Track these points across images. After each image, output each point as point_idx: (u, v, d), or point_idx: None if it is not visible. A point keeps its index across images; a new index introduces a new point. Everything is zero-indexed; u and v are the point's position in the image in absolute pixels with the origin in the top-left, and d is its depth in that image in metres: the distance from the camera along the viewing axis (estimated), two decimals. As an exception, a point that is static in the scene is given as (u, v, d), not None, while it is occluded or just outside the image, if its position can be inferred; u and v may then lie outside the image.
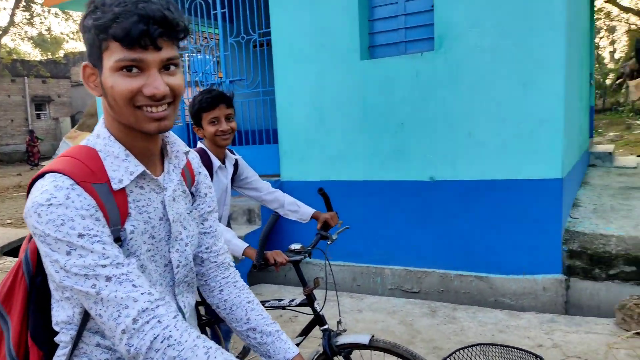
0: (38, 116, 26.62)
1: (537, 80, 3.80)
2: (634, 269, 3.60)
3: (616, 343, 2.95)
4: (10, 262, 5.89)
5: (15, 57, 25.44)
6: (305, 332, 2.23)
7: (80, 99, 27.46)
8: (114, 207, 0.99)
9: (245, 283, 1.32)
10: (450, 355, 1.30)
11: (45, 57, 29.01)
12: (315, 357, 2.14)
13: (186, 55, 6.13)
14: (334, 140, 4.65)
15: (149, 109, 0.97)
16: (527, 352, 1.24)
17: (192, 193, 1.22)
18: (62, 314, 1.07)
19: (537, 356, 1.21)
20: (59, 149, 21.28)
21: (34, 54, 31.79)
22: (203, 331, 2.41)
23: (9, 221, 8.27)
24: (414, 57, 4.26)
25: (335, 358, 2.07)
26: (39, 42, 26.62)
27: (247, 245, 2.13)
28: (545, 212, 3.86)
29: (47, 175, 0.96)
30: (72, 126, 24.78)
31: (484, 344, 1.28)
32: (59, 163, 0.99)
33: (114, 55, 0.94)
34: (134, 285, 0.94)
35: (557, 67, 3.76)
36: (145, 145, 1.06)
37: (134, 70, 0.95)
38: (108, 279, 0.93)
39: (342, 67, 4.55)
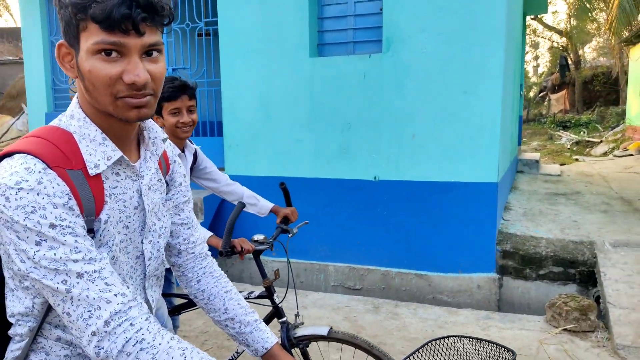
0: (-50, 95, 24.41)
1: (477, 87, 3.98)
2: (561, 269, 3.87)
3: (546, 339, 3.15)
4: None
5: None
6: (265, 323, 2.22)
7: (0, 79, 25.49)
8: (89, 195, 0.92)
9: (222, 272, 1.30)
10: (423, 346, 1.33)
11: (-40, 31, 26.65)
12: None
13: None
14: (280, 135, 4.62)
15: (129, 97, 0.91)
16: (498, 345, 1.30)
17: (167, 182, 1.16)
18: (18, 305, 0.99)
19: (508, 350, 1.27)
20: (-26, 132, 19.67)
21: (-53, 27, 29.09)
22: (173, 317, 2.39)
23: None
24: (362, 58, 4.32)
25: (292, 350, 2.07)
26: (-47, 14, 24.39)
27: (212, 234, 2.10)
28: (481, 214, 4.06)
29: (15, 156, 0.88)
30: (-10, 107, 22.96)
31: (455, 336, 1.33)
32: (29, 143, 0.90)
33: (92, 37, 0.87)
34: (106, 284, 0.89)
35: (496, 76, 3.96)
36: (124, 129, 0.99)
37: (114, 54, 0.88)
38: (80, 275, 0.87)
39: (291, 63, 4.53)
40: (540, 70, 30.57)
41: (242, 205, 2.06)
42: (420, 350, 1.33)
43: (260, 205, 2.47)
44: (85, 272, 0.87)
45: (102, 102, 0.92)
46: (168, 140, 1.18)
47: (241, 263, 4.86)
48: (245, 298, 2.23)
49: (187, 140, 2.35)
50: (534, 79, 29.75)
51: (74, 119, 0.96)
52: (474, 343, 1.31)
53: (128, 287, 0.95)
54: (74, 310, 0.87)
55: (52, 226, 0.86)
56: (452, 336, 1.33)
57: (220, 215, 4.82)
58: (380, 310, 3.82)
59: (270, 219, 2.48)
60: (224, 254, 2.01)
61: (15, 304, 0.99)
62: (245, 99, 4.72)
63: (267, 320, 2.22)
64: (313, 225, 4.54)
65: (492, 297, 4.03)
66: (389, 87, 4.22)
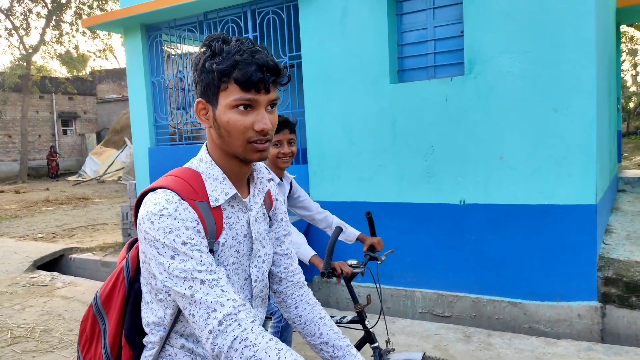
0: (65, 132, 27.26)
1: (568, 105, 3.81)
2: (673, 298, 3.53)
3: (659, 374, 2.89)
4: (43, 275, 6.01)
5: (43, 74, 26.17)
6: (356, 349, 2.26)
7: (105, 115, 28.10)
8: (211, 221, 1.13)
9: (317, 300, 1.42)
10: None
11: (72, 75, 29.80)
12: None
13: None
14: (363, 161, 4.69)
15: (257, 142, 1.13)
16: None
17: (269, 217, 1.35)
18: (152, 316, 1.19)
19: None
20: (85, 165, 21.74)
21: (62, 72, 32.70)
22: None
23: (40, 235, 8.45)
24: (443, 82, 4.30)
25: None
26: (67, 59, 27.34)
27: (315, 253, 2.23)
28: (579, 238, 3.83)
29: (158, 190, 1.12)
30: (98, 142, 25.32)
31: None
32: (168, 181, 1.15)
33: (232, 95, 1.10)
34: (222, 290, 1.07)
35: (588, 92, 3.77)
36: (240, 170, 1.21)
37: (247, 108, 1.11)
38: (202, 282, 1.06)
39: (372, 91, 4.62)
40: (639, 79, 28.28)
41: (340, 229, 2.17)
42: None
43: (348, 232, 2.55)
44: (207, 279, 1.07)
45: (234, 145, 1.14)
46: (272, 182, 1.35)
47: (327, 288, 4.93)
48: (338, 322, 2.31)
49: (284, 171, 2.52)
50: (633, 89, 27.54)
51: (202, 162, 1.20)
52: None
53: (239, 295, 1.14)
54: (197, 312, 1.05)
55: (184, 243, 1.07)
56: None
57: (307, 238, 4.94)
58: (472, 340, 3.70)
59: (354, 248, 2.54)
60: (325, 274, 2.12)
61: (149, 315, 1.20)
62: (329, 127, 4.86)
63: (359, 345, 2.26)
64: (398, 250, 4.54)
65: (594, 327, 3.76)
66: (473, 109, 4.16)
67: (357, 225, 2.63)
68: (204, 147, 1.22)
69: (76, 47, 24.43)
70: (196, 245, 1.08)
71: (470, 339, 3.70)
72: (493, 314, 4.12)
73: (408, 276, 4.55)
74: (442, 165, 4.33)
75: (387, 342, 2.18)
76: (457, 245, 4.30)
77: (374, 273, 2.30)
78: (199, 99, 1.16)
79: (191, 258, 1.06)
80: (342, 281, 2.26)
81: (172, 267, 1.06)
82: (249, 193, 1.26)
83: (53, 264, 6.74)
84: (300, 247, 2.26)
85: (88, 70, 31.83)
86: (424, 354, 2.06)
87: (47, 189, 17.15)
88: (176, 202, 1.09)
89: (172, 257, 1.06)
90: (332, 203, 4.80)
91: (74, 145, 27.42)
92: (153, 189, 1.14)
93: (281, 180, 2.52)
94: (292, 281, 1.39)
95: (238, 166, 1.20)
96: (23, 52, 21.40)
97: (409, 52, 4.64)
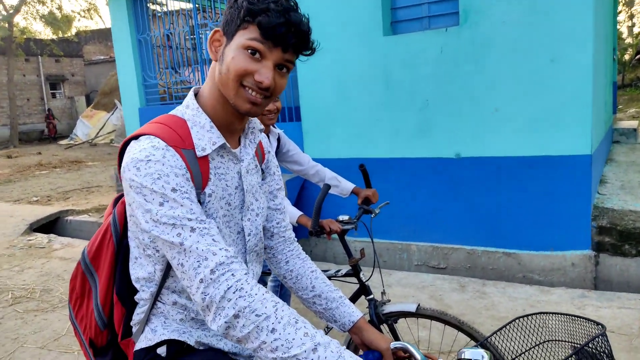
0: (53, 95, 26.80)
1: (565, 54, 3.74)
2: (665, 244, 3.59)
3: (649, 318, 2.97)
4: (40, 238, 6.03)
5: (27, 36, 25.44)
6: (352, 301, 2.30)
7: (93, 77, 27.55)
8: (197, 171, 1.08)
9: (307, 255, 1.40)
10: (509, 323, 1.33)
11: (57, 36, 29.02)
12: None
13: (202, 32, 6.10)
14: (357, 117, 4.64)
15: (251, 91, 1.06)
16: (587, 319, 1.27)
17: (262, 170, 1.30)
18: (141, 271, 1.16)
19: (597, 323, 1.23)
20: (76, 128, 21.48)
21: (46, 33, 31.79)
22: None
23: (34, 198, 8.42)
24: (438, 33, 4.20)
25: (381, 327, 2.12)
26: (50, 20, 26.54)
27: (302, 213, 2.21)
28: (575, 189, 3.84)
29: (142, 137, 1.06)
30: (87, 105, 24.93)
31: (542, 313, 1.31)
32: (152, 128, 1.08)
33: (249, 34, 1.04)
34: (213, 240, 1.01)
35: (585, 41, 3.70)
36: (232, 121, 1.15)
37: (257, 55, 1.04)
38: (192, 229, 1.00)
39: (365, 44, 4.51)
40: (636, 30, 27.87)
41: (328, 187, 2.13)
42: (508, 327, 1.33)
43: (342, 186, 2.53)
44: (197, 227, 1.01)
45: (228, 85, 1.07)
46: (264, 133, 1.30)
47: (324, 243, 4.98)
48: (332, 276, 2.33)
49: (270, 126, 2.46)
50: (629, 40, 27.17)
51: (188, 109, 1.13)
52: (562, 319, 1.28)
53: (232, 248, 1.09)
54: (187, 261, 0.99)
55: (174, 190, 1.01)
56: (540, 313, 1.31)
57: (302, 197, 4.95)
58: (467, 289, 3.77)
59: (350, 201, 2.53)
60: (313, 233, 2.11)
61: (138, 271, 1.16)
62: (321, 82, 4.78)
63: (354, 297, 2.29)
64: (394, 205, 4.56)
65: (587, 275, 3.83)
66: (468, 60, 4.08)
67: (353, 181, 2.61)
68: (191, 92, 1.16)
69: (59, 7, 23.70)
70: (186, 193, 1.02)
71: (465, 289, 3.77)
72: (487, 265, 4.18)
73: (404, 230, 4.58)
74: (437, 118, 4.29)
75: (383, 293, 2.21)
76: (452, 199, 4.32)
77: (368, 226, 2.30)
78: (217, 29, 1.10)
79: (181, 205, 1.00)
80: (336, 237, 2.26)
81: (160, 214, 1.00)
82: (239, 144, 1.20)
83: (49, 226, 6.75)
84: (286, 210, 2.23)
85: (73, 31, 30.94)
86: (419, 305, 2.08)
87: (40, 153, 17.00)
88: (163, 149, 1.03)
89: (161, 204, 1.00)
90: (326, 160, 4.77)
91: (64, 108, 27.01)
92: (136, 137, 1.07)
93: (267, 137, 2.46)
94: (283, 236, 1.37)
95: (231, 115, 1.13)
96: (4, 12, 20.72)
97: (402, 2, 4.50)
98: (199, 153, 1.09)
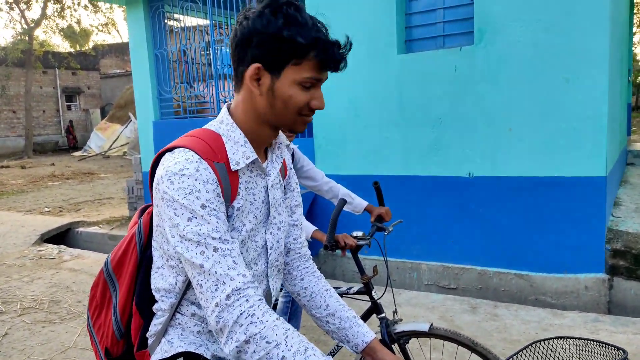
0: (69, 107, 27.20)
1: (580, 75, 3.73)
2: (682, 270, 3.51)
3: (667, 345, 2.89)
4: (51, 248, 6.06)
5: (46, 49, 25.97)
6: (363, 319, 2.26)
7: (109, 90, 27.94)
8: (228, 184, 1.09)
9: (321, 274, 1.40)
10: (527, 347, 1.30)
11: (75, 50, 29.56)
12: None
13: (217, 48, 6.18)
14: (370, 134, 4.64)
15: (307, 117, 1.11)
16: (608, 344, 1.23)
17: (284, 185, 1.31)
18: (162, 282, 1.16)
19: (618, 348, 1.20)
20: (90, 140, 21.74)
21: (64, 47, 32.45)
22: None
23: (46, 209, 8.49)
24: (452, 52, 4.21)
25: (392, 346, 2.08)
26: (69, 34, 27.08)
27: (316, 228, 2.20)
28: (588, 211, 3.79)
29: (176, 150, 1.07)
30: (102, 118, 25.26)
31: (561, 337, 1.28)
32: (186, 141, 1.09)
33: (305, 72, 1.05)
34: (234, 262, 1.03)
35: (600, 62, 3.68)
36: (267, 138, 1.17)
37: (310, 85, 1.08)
38: (215, 249, 1.02)
39: (379, 62, 4.53)
40: (650, 51, 27.74)
41: (344, 201, 2.12)
42: (525, 351, 1.29)
43: (355, 203, 2.52)
44: (220, 248, 1.03)
45: (285, 118, 1.10)
46: (286, 150, 1.30)
47: (333, 260, 4.94)
48: (344, 294, 2.30)
49: None
50: (643, 62, 27.03)
51: (222, 124, 1.14)
52: (581, 345, 1.25)
53: (249, 270, 1.09)
54: (205, 282, 1.02)
55: (203, 206, 1.02)
56: (559, 337, 1.27)
57: (312, 212, 4.93)
58: (478, 311, 3.70)
59: (363, 218, 2.51)
60: (328, 247, 2.09)
61: (159, 281, 1.17)
62: (335, 99, 4.79)
63: (366, 315, 2.26)
64: (404, 223, 4.53)
65: (601, 299, 3.75)
66: (482, 79, 4.08)
67: (365, 199, 2.59)
68: (224, 108, 1.17)
69: (78, 21, 24.24)
70: (214, 210, 1.03)
71: (476, 310, 3.70)
72: (499, 286, 4.12)
73: (414, 249, 4.54)
74: (450, 137, 4.27)
75: (395, 312, 2.17)
76: (464, 218, 4.28)
77: (381, 244, 2.28)
78: (259, 65, 1.05)
79: (208, 223, 1.02)
80: (349, 253, 2.23)
81: (187, 230, 1.02)
82: (266, 158, 1.22)
83: (60, 237, 6.79)
84: None
85: (91, 45, 31.53)
86: (431, 324, 2.04)
87: (53, 164, 17.20)
88: (197, 162, 1.04)
89: (189, 220, 1.02)
90: (338, 176, 4.76)
91: (79, 120, 27.38)
92: (171, 149, 1.09)
93: None
94: (299, 253, 1.37)
95: (268, 133, 1.16)
96: (25, 26, 21.19)
97: (417, 21, 4.53)
98: (233, 167, 1.10)
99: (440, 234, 4.41)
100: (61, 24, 23.28)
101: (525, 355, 1.32)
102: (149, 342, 1.22)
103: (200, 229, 1.01)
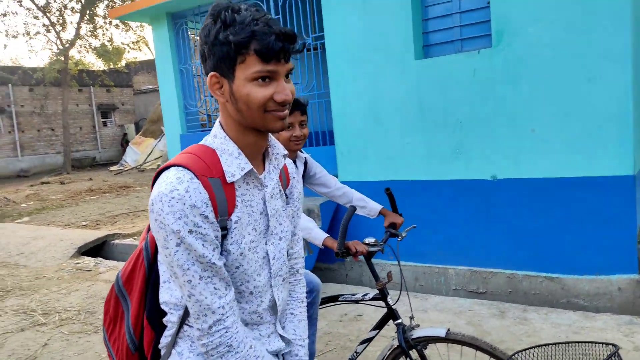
0: (104, 123, 28.09)
1: (602, 73, 3.65)
2: None
3: (701, 348, 2.79)
4: (87, 261, 6.28)
5: (81, 67, 26.93)
6: (379, 326, 2.29)
7: (142, 106, 28.75)
8: (223, 199, 1.11)
9: (303, 295, 1.42)
10: (521, 351, 1.30)
11: (108, 67, 30.56)
12: (390, 351, 2.17)
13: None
14: (391, 140, 4.65)
15: (276, 111, 1.11)
16: (599, 343, 1.23)
17: (286, 195, 1.33)
18: (169, 295, 1.21)
19: (608, 344, 1.20)
20: (126, 155, 22.39)
21: (98, 65, 33.58)
22: None
23: (84, 223, 8.81)
24: (470, 55, 4.19)
25: (410, 352, 2.10)
26: (102, 52, 28.02)
27: (327, 235, 2.22)
28: (618, 210, 3.70)
29: (172, 168, 1.11)
30: (137, 132, 25.98)
31: (541, 345, 1.28)
32: (182, 158, 1.14)
33: (251, 67, 1.07)
34: (215, 288, 1.11)
35: (624, 60, 3.59)
36: (257, 144, 1.19)
37: (267, 80, 1.08)
38: (200, 277, 1.09)
39: (397, 68, 4.54)
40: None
41: (354, 208, 2.15)
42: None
43: (369, 207, 2.54)
44: (204, 276, 1.10)
45: (253, 117, 1.12)
46: (289, 159, 1.34)
47: (360, 267, 4.96)
48: (360, 300, 2.32)
49: (297, 152, 2.52)
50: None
51: (216, 138, 1.17)
52: (573, 347, 1.25)
53: (231, 290, 1.14)
54: (192, 307, 1.12)
55: (190, 232, 1.06)
56: (537, 346, 1.28)
57: (336, 221, 4.97)
58: (507, 315, 3.66)
59: (378, 224, 2.52)
60: (339, 254, 2.12)
61: (166, 294, 1.21)
62: (354, 107, 4.83)
63: (382, 322, 2.27)
64: (429, 228, 4.52)
65: (636, 301, 3.64)
66: (502, 81, 4.04)
67: (386, 204, 2.60)
68: (217, 123, 1.20)
69: (110, 40, 25.02)
70: (201, 234, 1.07)
71: (505, 315, 3.66)
72: (529, 290, 4.05)
73: (441, 253, 4.51)
74: (472, 140, 4.24)
75: (411, 318, 2.18)
76: (490, 221, 4.23)
77: (395, 250, 2.29)
78: (213, 73, 1.11)
79: (194, 250, 1.06)
80: (363, 259, 2.26)
81: (176, 257, 1.07)
82: (264, 169, 1.24)
83: (96, 249, 7.03)
84: (312, 232, 2.23)
85: (123, 62, 32.53)
86: (448, 329, 2.04)
87: (91, 179, 17.78)
88: (187, 181, 1.06)
89: (177, 245, 1.06)
90: (360, 183, 4.80)
91: (114, 136, 28.25)
92: (167, 167, 1.13)
93: (295, 162, 2.50)
94: (289, 265, 1.37)
95: (254, 139, 1.17)
96: (60, 47, 22.05)
97: (434, 26, 4.53)
98: (229, 179, 1.12)
99: (466, 238, 4.37)
100: (94, 43, 24.10)
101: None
102: (162, 353, 1.26)
103: (187, 255, 1.07)
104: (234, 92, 1.10)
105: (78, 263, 6.23)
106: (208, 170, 1.10)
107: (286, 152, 1.28)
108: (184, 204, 1.04)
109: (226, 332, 1.12)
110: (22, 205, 12.40)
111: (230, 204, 1.12)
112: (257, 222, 1.19)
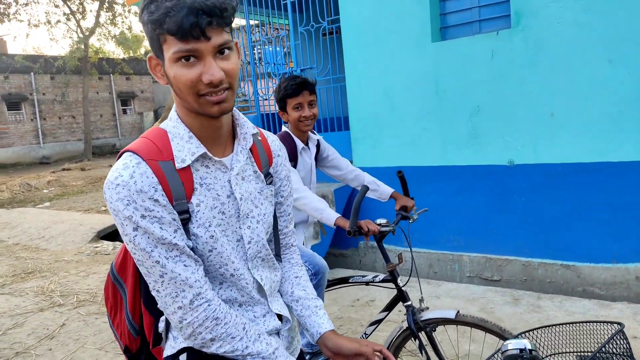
0: (124, 111, 28.43)
1: (624, 55, 3.53)
2: None
3: None
4: (106, 245, 6.39)
5: (101, 56, 27.22)
6: (389, 307, 2.28)
7: (161, 94, 28.98)
8: (177, 182, 1.06)
9: (300, 261, 1.39)
10: (528, 331, 1.28)
11: (128, 55, 30.82)
12: (399, 333, 2.17)
13: (257, 46, 6.28)
14: (406, 125, 4.59)
15: (210, 95, 1.02)
16: (606, 322, 1.20)
17: (269, 174, 1.26)
18: None
19: (613, 323, 1.17)
20: (143, 142, 22.63)
21: (117, 53, 33.89)
22: None
23: (103, 208, 8.95)
24: (489, 37, 4.10)
25: (419, 334, 2.08)
26: (121, 40, 28.25)
27: (339, 215, 2.20)
28: (637, 197, 3.60)
29: (124, 154, 1.07)
30: (155, 120, 26.23)
31: (551, 325, 1.26)
32: (135, 143, 1.10)
33: (171, 47, 0.99)
34: (185, 265, 1.06)
35: (648, 41, 3.47)
36: (211, 127, 1.11)
37: (191, 59, 1.00)
38: (166, 258, 1.05)
39: (413, 51, 4.47)
40: None
41: (366, 188, 2.13)
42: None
43: (381, 190, 2.52)
44: (171, 256, 1.05)
45: (188, 101, 1.05)
46: (274, 137, 1.29)
47: (373, 253, 4.94)
48: (370, 282, 2.31)
49: (310, 133, 2.49)
50: None
51: (170, 121, 1.12)
52: (580, 327, 1.23)
53: (201, 267, 1.10)
54: (163, 290, 1.07)
55: (142, 217, 1.02)
56: (546, 326, 1.25)
57: (350, 206, 4.94)
58: (520, 303, 3.61)
59: (390, 208, 2.50)
60: (351, 233, 2.10)
61: None
62: (370, 91, 4.78)
63: (392, 304, 2.26)
64: (444, 214, 4.47)
65: (655, 290, 3.56)
66: (521, 64, 3.95)
67: (398, 188, 2.57)
68: (174, 105, 1.13)
69: (129, 28, 25.19)
70: (155, 217, 1.02)
71: (518, 302, 3.61)
72: (544, 277, 3.99)
73: (455, 240, 4.47)
74: (489, 125, 4.16)
75: (421, 300, 2.16)
76: (506, 208, 4.17)
77: (405, 233, 2.27)
78: (150, 55, 1.06)
79: (152, 233, 1.02)
80: (374, 241, 2.24)
81: (136, 240, 1.03)
82: (232, 151, 1.17)
83: (115, 234, 7.14)
84: (324, 212, 2.20)
85: (142, 50, 32.75)
86: (458, 311, 2.02)
87: (111, 166, 18.03)
88: (133, 166, 1.02)
89: (135, 230, 1.02)
90: (376, 168, 4.76)
91: (134, 123, 28.57)
92: (122, 153, 1.09)
93: (307, 144, 2.48)
94: (282, 243, 1.35)
95: (207, 122, 1.10)
96: (80, 35, 22.29)
97: (451, 7, 4.44)
98: (179, 165, 1.06)
99: (481, 224, 4.31)
100: (113, 31, 24.30)
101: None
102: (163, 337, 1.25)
103: (148, 239, 1.02)
104: (167, 73, 1.04)
105: (97, 247, 6.34)
106: (159, 154, 1.06)
107: (256, 130, 1.21)
108: (129, 190, 1.00)
109: (209, 305, 1.08)
110: (44, 191, 12.66)
111: (188, 188, 1.07)
112: (225, 206, 1.13)
